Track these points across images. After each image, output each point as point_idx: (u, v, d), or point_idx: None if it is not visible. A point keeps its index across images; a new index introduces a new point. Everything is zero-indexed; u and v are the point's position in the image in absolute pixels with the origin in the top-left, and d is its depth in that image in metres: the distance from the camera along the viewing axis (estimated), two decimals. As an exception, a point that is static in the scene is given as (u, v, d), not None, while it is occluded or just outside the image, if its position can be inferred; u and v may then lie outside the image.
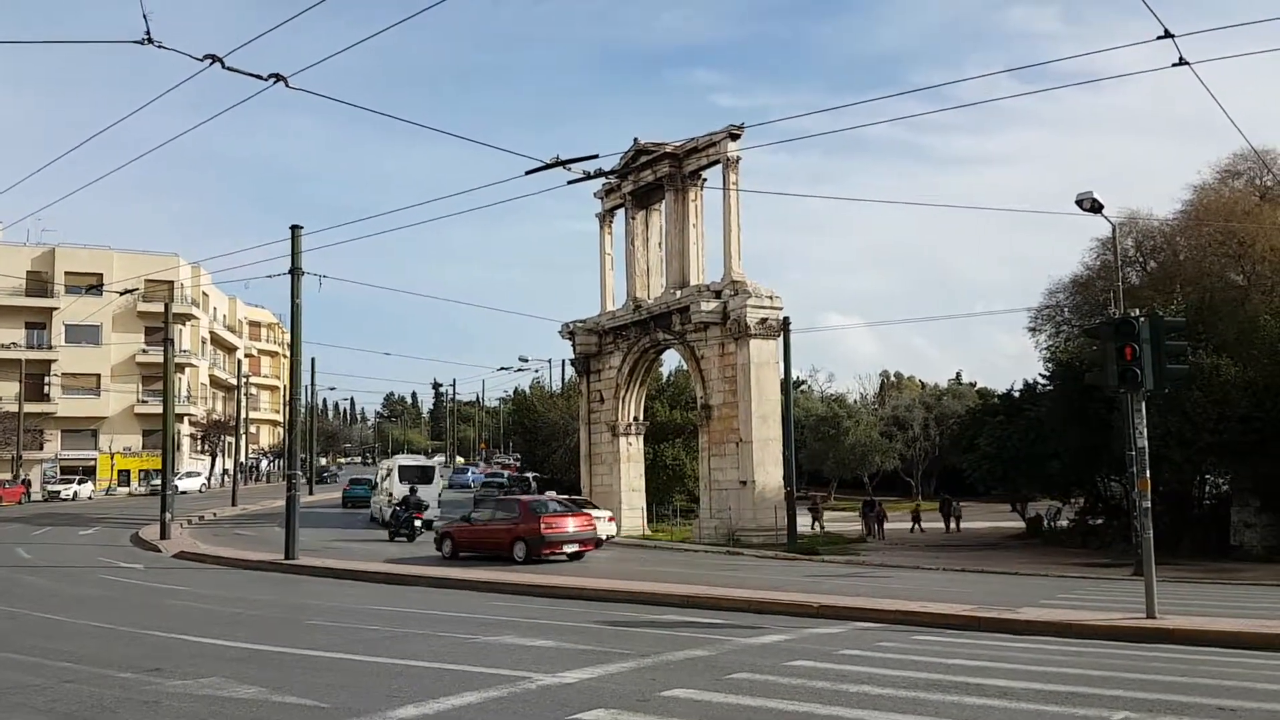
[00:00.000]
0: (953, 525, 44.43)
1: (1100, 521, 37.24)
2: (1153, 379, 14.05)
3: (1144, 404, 14.51)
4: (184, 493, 64.57)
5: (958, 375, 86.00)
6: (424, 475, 45.05)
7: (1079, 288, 41.94)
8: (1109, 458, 31.07)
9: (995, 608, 15.33)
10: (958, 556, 32.53)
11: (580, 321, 47.33)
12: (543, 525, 26.44)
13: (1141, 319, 14.38)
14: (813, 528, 43.05)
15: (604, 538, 33.39)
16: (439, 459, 63.99)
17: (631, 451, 45.72)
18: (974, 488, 43.55)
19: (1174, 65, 14.52)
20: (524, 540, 26.27)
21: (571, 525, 27.27)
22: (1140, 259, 40.53)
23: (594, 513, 32.20)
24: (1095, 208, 24.26)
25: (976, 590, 20.57)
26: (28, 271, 71.98)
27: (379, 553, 29.50)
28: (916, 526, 44.80)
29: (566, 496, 37.38)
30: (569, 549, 26.93)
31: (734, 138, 39.25)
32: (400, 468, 45.45)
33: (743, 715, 7.81)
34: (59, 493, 63.07)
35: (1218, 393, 29.11)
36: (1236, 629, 13.10)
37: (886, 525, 42.85)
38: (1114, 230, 27.92)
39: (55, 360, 72.34)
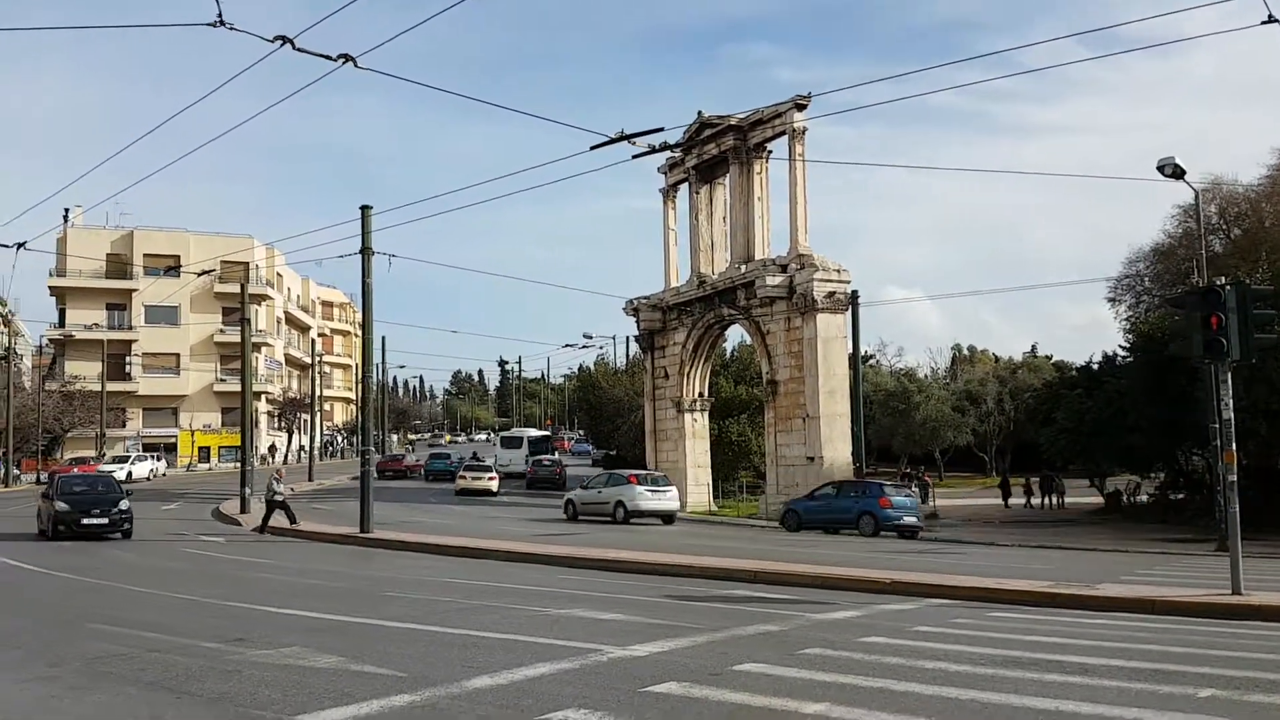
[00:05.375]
0: (1052, 501, 43.29)
1: (1182, 496, 36.35)
2: (1239, 349, 13.59)
3: (1229, 375, 14.04)
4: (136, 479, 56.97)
5: (1033, 348, 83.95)
6: (514, 443, 63.44)
7: (1160, 257, 40.76)
8: (1191, 431, 30.23)
9: (1073, 584, 15.01)
10: (1033, 533, 31.98)
11: (644, 298, 47.31)
12: None
13: (1227, 287, 13.90)
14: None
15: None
16: (532, 433, 70.54)
17: (696, 428, 45.68)
18: (1050, 462, 42.72)
19: (1263, 23, 13.96)
20: None
21: None
22: (1224, 226, 39.21)
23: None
24: (1177, 174, 23.48)
25: (1053, 567, 20.19)
26: (108, 254, 74.01)
27: (449, 528, 29.94)
28: (1031, 500, 44.09)
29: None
30: None
31: (800, 108, 38.71)
32: (501, 438, 71.18)
33: (816, 690, 7.73)
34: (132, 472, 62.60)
35: (1306, 363, 28.09)
36: (1329, 607, 12.65)
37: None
38: (1197, 197, 27.00)
39: (135, 340, 74.47)
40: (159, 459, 67.84)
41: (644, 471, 37.98)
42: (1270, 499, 31.18)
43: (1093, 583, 15.35)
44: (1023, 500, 44.37)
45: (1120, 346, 39.48)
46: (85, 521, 24.29)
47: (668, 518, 34.22)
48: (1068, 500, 42.89)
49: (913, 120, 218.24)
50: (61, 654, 9.41)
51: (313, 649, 9.47)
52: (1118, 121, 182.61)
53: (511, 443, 64.51)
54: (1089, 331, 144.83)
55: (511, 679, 8.10)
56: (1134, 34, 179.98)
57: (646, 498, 33.81)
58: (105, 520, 24.53)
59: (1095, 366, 40.20)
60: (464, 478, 49.09)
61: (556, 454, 62.33)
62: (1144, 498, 39.19)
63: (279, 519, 27.61)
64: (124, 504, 25.13)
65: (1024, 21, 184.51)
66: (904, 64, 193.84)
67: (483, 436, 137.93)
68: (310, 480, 54.66)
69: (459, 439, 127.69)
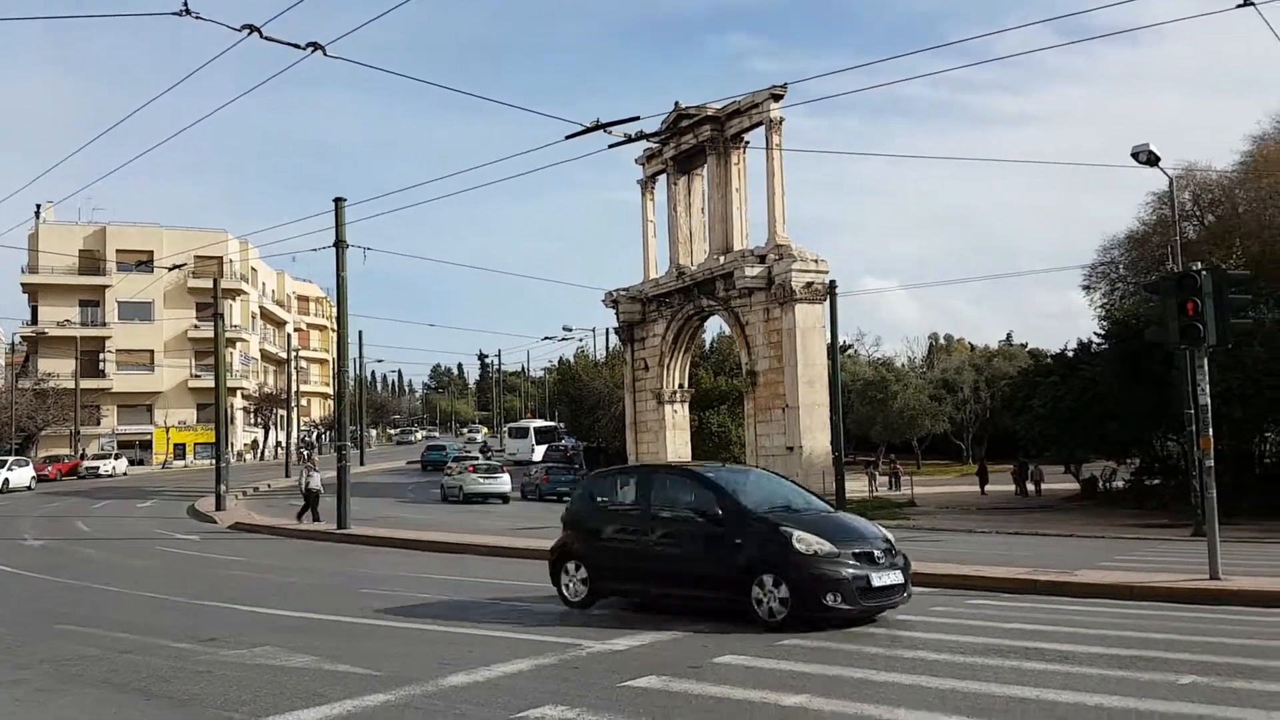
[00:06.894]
0: (1030, 489, 43.06)
1: (1157, 482, 36.56)
2: (1215, 334, 13.58)
3: (1206, 360, 14.07)
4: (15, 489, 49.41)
5: (1008, 336, 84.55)
6: (521, 433, 67.51)
7: (1134, 244, 41.02)
8: (1167, 417, 30.42)
9: (1051, 570, 15.03)
10: (1011, 519, 32.12)
11: (623, 290, 47.20)
12: None
13: (1203, 272, 13.91)
14: (892, 489, 43.03)
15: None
16: (538, 423, 72.50)
17: (677, 419, 45.66)
18: (1026, 450, 42.87)
19: (1238, 7, 13.96)
20: None
21: None
22: (1198, 213, 39.49)
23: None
24: (1151, 160, 23.52)
25: (1031, 553, 20.25)
26: (80, 250, 73.20)
27: (430, 522, 29.76)
28: (1025, 487, 43.73)
29: None
30: None
31: (776, 98, 38.64)
32: (509, 428, 75.06)
33: (796, 682, 7.67)
34: (97, 469, 61.48)
35: (1280, 348, 28.31)
36: (1305, 590, 12.70)
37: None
38: (1171, 184, 27.14)
39: (109, 337, 73.70)
40: (118, 457, 66.01)
41: (481, 463, 46.31)
42: (1245, 483, 31.43)
43: (1071, 569, 15.38)
44: (1013, 488, 44.16)
45: (1095, 333, 39.66)
46: (879, 583, 10.50)
47: (503, 498, 40.83)
48: (1044, 487, 43.02)
49: (887, 112, 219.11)
50: (29, 656, 9.23)
51: (286, 648, 9.33)
52: (1092, 110, 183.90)
53: (518, 433, 69.90)
54: (1064, 319, 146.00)
55: (489, 676, 8.00)
56: (1105, 21, 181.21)
57: (479, 483, 40.84)
58: (899, 577, 10.85)
59: (1070, 354, 40.33)
60: (450, 469, 50.63)
61: (565, 441, 62.75)
62: (1120, 483, 39.41)
63: (306, 516, 27.78)
64: None
65: (1003, 14, 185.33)
66: (880, 56, 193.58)
67: (435, 431, 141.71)
68: (288, 476, 54.28)
69: (415, 434, 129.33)
